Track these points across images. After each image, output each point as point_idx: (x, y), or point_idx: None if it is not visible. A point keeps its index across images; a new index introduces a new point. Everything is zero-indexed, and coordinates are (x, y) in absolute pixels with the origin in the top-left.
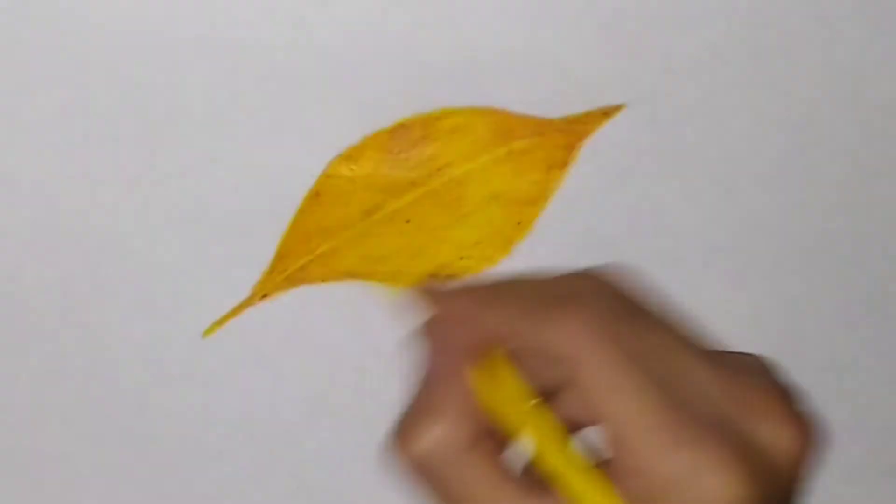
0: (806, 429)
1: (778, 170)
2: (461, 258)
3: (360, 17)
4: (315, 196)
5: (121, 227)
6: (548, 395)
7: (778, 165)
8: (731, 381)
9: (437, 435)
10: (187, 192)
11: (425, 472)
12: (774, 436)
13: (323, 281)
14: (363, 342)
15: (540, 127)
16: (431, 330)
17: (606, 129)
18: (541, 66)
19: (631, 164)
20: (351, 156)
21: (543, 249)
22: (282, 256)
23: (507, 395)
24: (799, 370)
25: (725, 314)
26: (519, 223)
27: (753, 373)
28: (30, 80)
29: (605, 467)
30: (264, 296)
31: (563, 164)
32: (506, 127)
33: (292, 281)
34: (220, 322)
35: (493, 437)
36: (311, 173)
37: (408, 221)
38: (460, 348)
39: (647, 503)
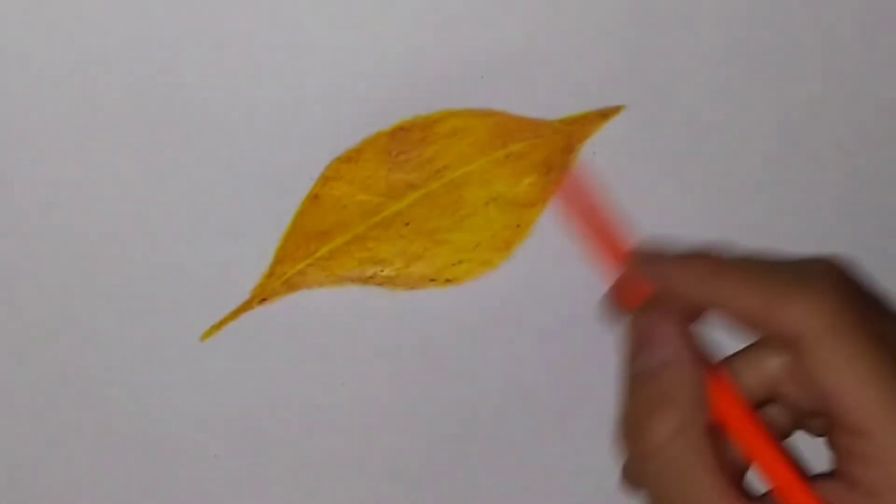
0: None
1: (777, 172)
2: (460, 261)
3: (358, 18)
4: (314, 199)
5: (119, 229)
6: (761, 399)
7: (777, 168)
8: None
9: (673, 426)
10: (185, 194)
11: (660, 464)
12: None
13: (322, 285)
14: (362, 347)
15: (539, 129)
16: (653, 306)
17: (605, 131)
18: (539, 69)
19: (629, 167)
20: (350, 158)
21: (542, 252)
22: (280, 260)
23: (726, 397)
24: None
25: None
26: (518, 226)
27: None
28: (28, 80)
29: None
30: (263, 300)
31: (561, 167)
32: (505, 129)
33: (291, 285)
34: (219, 326)
35: (719, 431)
36: (310, 176)
37: (407, 224)
38: (680, 329)
39: (887, 493)
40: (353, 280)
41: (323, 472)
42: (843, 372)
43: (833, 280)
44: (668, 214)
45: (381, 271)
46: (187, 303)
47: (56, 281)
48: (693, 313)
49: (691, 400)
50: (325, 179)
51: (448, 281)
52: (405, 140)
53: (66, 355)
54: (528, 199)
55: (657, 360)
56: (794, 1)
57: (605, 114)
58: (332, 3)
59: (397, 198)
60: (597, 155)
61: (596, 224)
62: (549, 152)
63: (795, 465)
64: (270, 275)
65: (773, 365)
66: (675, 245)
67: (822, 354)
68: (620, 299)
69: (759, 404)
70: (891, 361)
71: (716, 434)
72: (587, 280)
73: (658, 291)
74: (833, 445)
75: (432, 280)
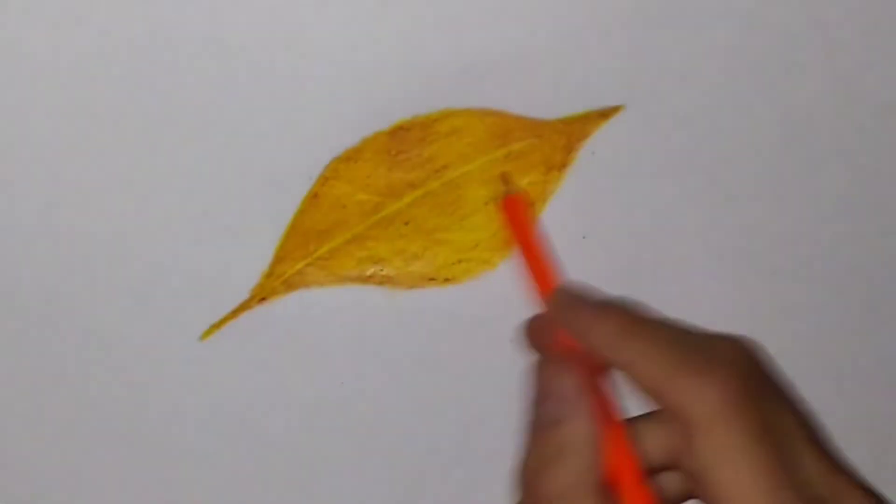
0: None
1: (776, 172)
2: (460, 260)
3: (358, 18)
4: (314, 198)
5: (119, 229)
6: (661, 463)
7: (776, 167)
8: (839, 475)
9: (568, 479)
10: (185, 194)
11: None
12: None
13: (321, 285)
14: (362, 346)
15: (538, 128)
16: (559, 355)
17: (605, 130)
18: (539, 68)
19: (629, 166)
20: (349, 157)
21: None
22: (280, 259)
23: (620, 456)
24: (797, 374)
25: (723, 317)
26: None
27: (851, 471)
28: (27, 80)
29: None
30: (262, 299)
31: (561, 166)
32: (504, 128)
33: (290, 284)
34: (218, 325)
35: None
36: (310, 175)
37: (406, 223)
38: (579, 384)
39: None
40: (352, 279)
41: (322, 471)
42: (724, 463)
43: (734, 365)
44: (667, 214)
45: (381, 270)
46: (187, 302)
47: (56, 280)
48: (602, 366)
49: (585, 456)
50: (324, 179)
51: (447, 280)
52: (405, 139)
53: (65, 354)
54: (528, 198)
55: (555, 414)
56: (792, 2)
57: (604, 113)
58: (331, 3)
59: (397, 197)
60: (596, 154)
61: (529, 253)
62: (548, 152)
63: None
64: (270, 274)
65: (673, 433)
66: (594, 292)
67: (707, 440)
68: (534, 336)
69: (658, 468)
70: (773, 456)
71: (610, 492)
72: (586, 279)
73: (567, 338)
74: None
75: (432, 279)
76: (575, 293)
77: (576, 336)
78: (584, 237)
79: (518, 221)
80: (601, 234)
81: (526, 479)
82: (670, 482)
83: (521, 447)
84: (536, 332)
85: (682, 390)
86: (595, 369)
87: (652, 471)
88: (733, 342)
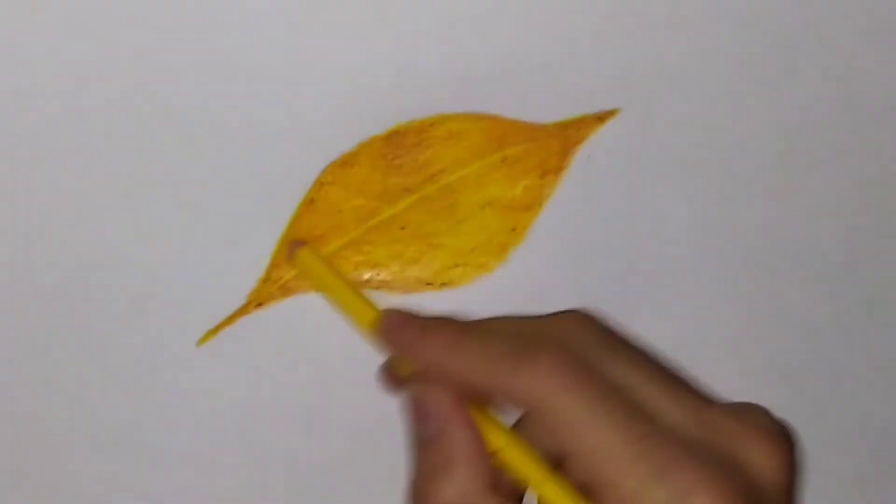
0: (787, 447)
1: (773, 174)
2: (456, 265)
3: (353, 23)
4: (309, 203)
5: (115, 234)
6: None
7: (773, 170)
8: (707, 408)
9: (457, 487)
10: (181, 199)
11: None
12: (756, 456)
13: (317, 290)
14: (358, 351)
15: (534, 132)
16: (419, 377)
17: (600, 134)
18: (534, 72)
19: (625, 169)
20: (346, 162)
21: (538, 256)
22: (276, 265)
23: (498, 440)
24: (794, 375)
25: (720, 319)
26: (513, 229)
27: (728, 404)
28: (25, 84)
29: None
30: (259, 304)
31: (557, 170)
32: (500, 133)
33: (287, 290)
34: (215, 331)
35: (507, 480)
36: (306, 180)
37: (403, 228)
38: (450, 396)
39: None
40: None
41: (320, 476)
42: (583, 434)
43: (559, 339)
44: (663, 218)
45: (377, 275)
46: (184, 308)
47: (53, 286)
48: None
49: (473, 463)
50: (320, 184)
51: (444, 285)
52: (400, 144)
53: (63, 360)
54: (524, 202)
55: (435, 428)
56: (789, 3)
57: (600, 117)
58: (327, 8)
59: (393, 202)
60: (592, 158)
61: (338, 295)
62: (544, 156)
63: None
64: (266, 279)
65: (540, 429)
66: (418, 313)
67: (559, 420)
68: (388, 375)
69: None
70: (624, 413)
71: (504, 493)
72: (583, 284)
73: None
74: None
75: (428, 284)
76: (397, 317)
77: (410, 359)
78: (580, 241)
79: (314, 271)
80: (598, 237)
81: (418, 495)
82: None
83: (409, 468)
84: (389, 371)
85: (517, 380)
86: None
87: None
88: (557, 317)
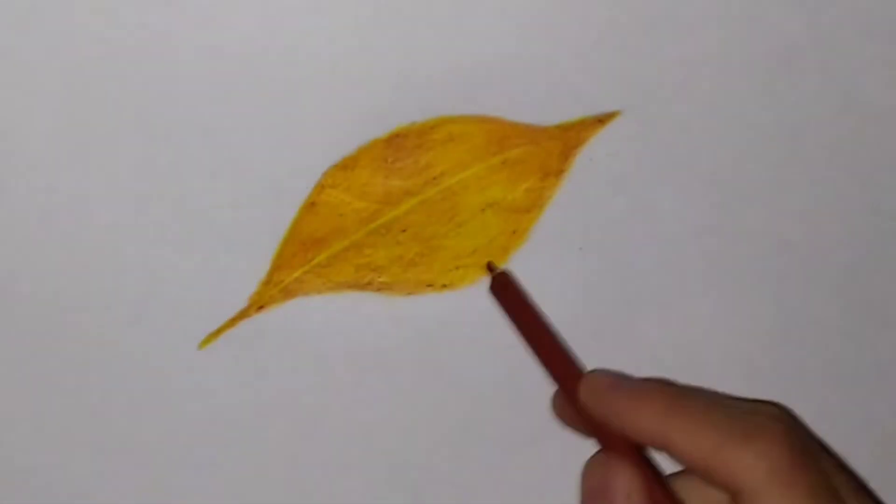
0: None
1: (773, 176)
2: (457, 267)
3: (354, 26)
4: (311, 206)
5: (117, 237)
6: None
7: (773, 171)
8: None
9: None
10: (182, 202)
11: None
12: None
13: (319, 292)
14: (360, 353)
15: (535, 135)
16: (608, 450)
17: (601, 136)
18: (535, 74)
19: (626, 172)
20: (346, 165)
21: (539, 258)
22: (278, 267)
23: None
24: (796, 378)
25: (721, 321)
26: (514, 231)
27: None
28: (27, 88)
29: None
30: (260, 307)
31: (558, 172)
32: (501, 135)
33: (288, 292)
34: (216, 333)
35: None
36: (307, 183)
37: (404, 231)
38: (641, 483)
39: None
40: (350, 287)
41: (321, 479)
42: None
43: (778, 431)
44: (664, 220)
45: (379, 277)
46: (185, 310)
47: (54, 289)
48: (642, 450)
49: None
50: (321, 187)
51: (445, 287)
52: (401, 147)
53: (64, 363)
54: (525, 204)
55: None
56: (789, 5)
57: (601, 119)
58: (327, 11)
59: (394, 204)
60: (593, 160)
61: (536, 338)
62: (545, 158)
63: None
64: (268, 282)
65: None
66: (624, 376)
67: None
68: (569, 416)
69: None
70: None
71: None
72: (584, 286)
73: (608, 423)
74: None
75: (429, 286)
76: (605, 380)
77: (613, 422)
78: (581, 243)
79: (513, 304)
80: (599, 239)
81: None
82: None
83: None
84: (571, 413)
85: (732, 462)
86: (633, 450)
87: None
88: (771, 408)
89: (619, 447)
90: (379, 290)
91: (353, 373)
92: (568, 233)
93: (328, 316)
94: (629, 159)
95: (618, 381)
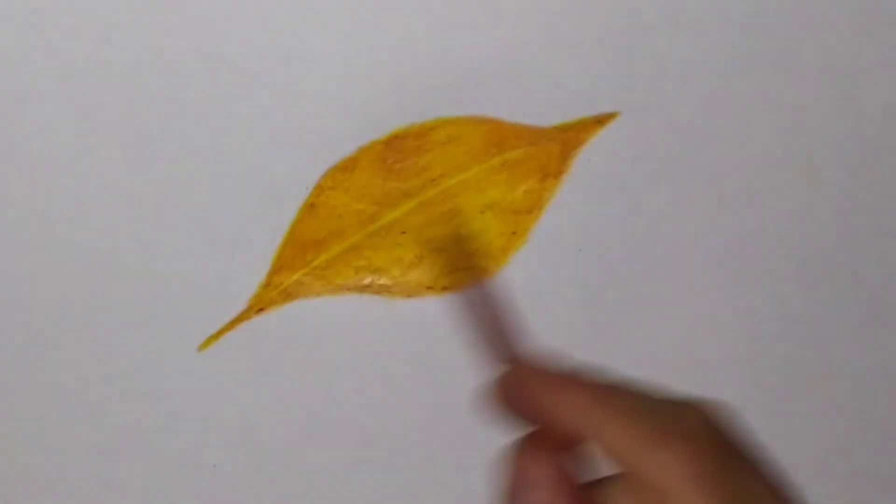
0: None
1: (772, 176)
2: (457, 269)
3: (353, 29)
4: (310, 208)
5: (116, 241)
6: None
7: (772, 172)
8: None
9: None
10: (182, 205)
11: None
12: None
13: (318, 294)
14: (360, 355)
15: (534, 136)
16: (531, 440)
17: (600, 137)
18: (534, 76)
19: (625, 172)
20: (345, 167)
21: (539, 259)
22: (277, 270)
23: None
24: (794, 378)
25: (720, 321)
26: (514, 233)
27: None
28: (26, 91)
29: None
30: (260, 309)
31: (557, 173)
32: (500, 136)
33: (288, 294)
34: (216, 336)
35: None
36: (306, 185)
37: (403, 232)
38: (563, 474)
39: None
40: (349, 289)
41: (321, 480)
42: None
43: (701, 435)
44: (662, 221)
45: (378, 280)
46: (185, 313)
47: (54, 292)
48: (570, 441)
49: None
50: (320, 189)
51: (445, 288)
52: (400, 148)
53: (64, 365)
54: (524, 206)
55: (535, 502)
56: (788, 6)
57: (600, 120)
58: (326, 14)
59: (393, 206)
60: (592, 161)
61: (490, 320)
62: (544, 159)
63: None
64: (267, 285)
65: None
66: (554, 361)
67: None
68: (500, 399)
69: None
70: None
71: None
72: (583, 287)
73: (534, 413)
74: None
75: (429, 288)
76: (536, 365)
77: (541, 408)
78: (581, 244)
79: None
80: (598, 240)
81: None
82: None
83: None
84: (502, 394)
85: (652, 462)
86: (564, 444)
87: None
88: (701, 410)
89: (547, 438)
90: (378, 292)
91: (353, 375)
92: (567, 234)
93: (328, 318)
94: (628, 160)
95: (546, 368)
